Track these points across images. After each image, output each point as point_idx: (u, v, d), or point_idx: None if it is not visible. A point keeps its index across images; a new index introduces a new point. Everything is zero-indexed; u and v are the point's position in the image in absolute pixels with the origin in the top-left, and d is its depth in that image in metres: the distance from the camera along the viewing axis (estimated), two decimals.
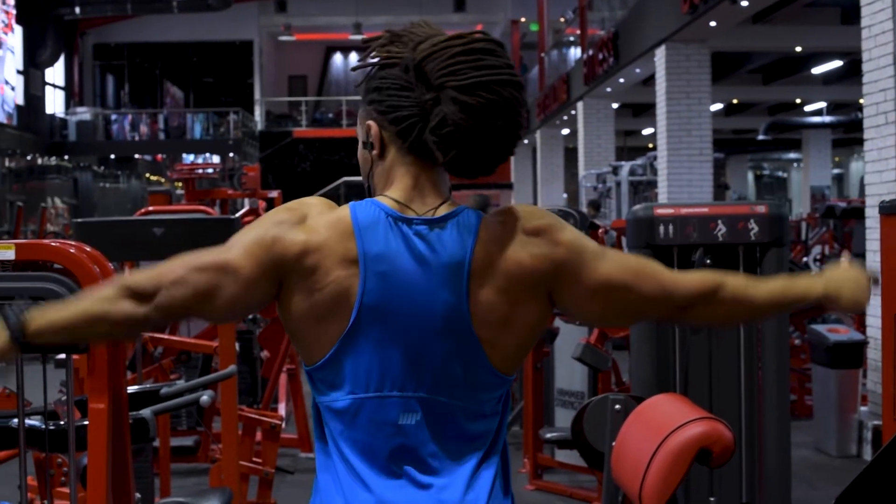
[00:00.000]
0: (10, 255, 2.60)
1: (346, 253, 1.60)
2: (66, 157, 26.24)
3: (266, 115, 32.25)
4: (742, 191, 30.93)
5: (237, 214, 6.19)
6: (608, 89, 16.42)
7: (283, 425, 5.20)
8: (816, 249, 12.61)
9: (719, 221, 3.94)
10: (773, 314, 1.79)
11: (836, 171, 34.34)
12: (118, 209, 27.11)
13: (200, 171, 8.43)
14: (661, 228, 3.94)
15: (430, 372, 1.62)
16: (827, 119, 23.22)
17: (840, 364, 6.35)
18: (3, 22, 21.87)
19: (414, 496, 1.62)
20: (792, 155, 33.81)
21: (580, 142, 17.97)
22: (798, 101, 21.99)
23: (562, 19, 23.07)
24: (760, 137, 24.09)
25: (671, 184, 11.61)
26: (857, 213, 9.57)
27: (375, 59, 1.67)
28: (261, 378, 6.09)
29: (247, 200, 9.01)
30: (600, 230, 5.95)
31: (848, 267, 1.81)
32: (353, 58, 33.96)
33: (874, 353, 6.19)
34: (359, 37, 27.17)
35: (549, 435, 5.23)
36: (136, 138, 28.26)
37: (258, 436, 4.84)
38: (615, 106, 18.43)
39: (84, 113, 27.40)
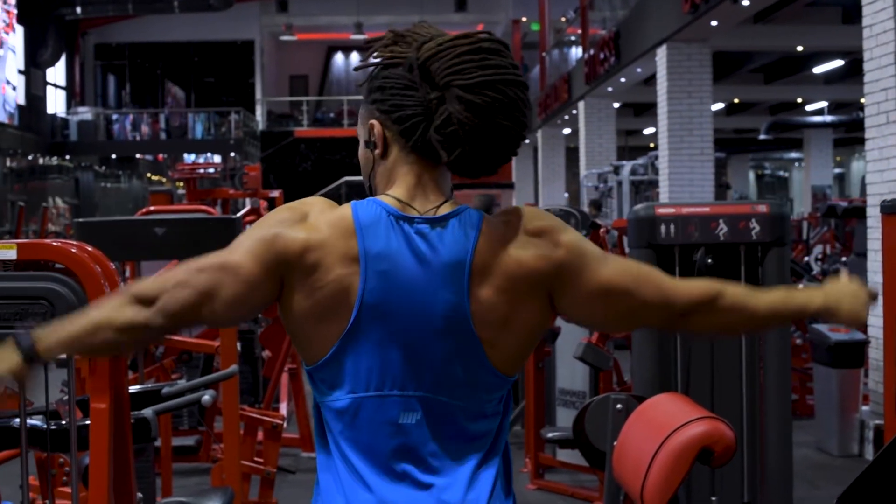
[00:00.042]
0: (11, 254, 2.60)
1: (347, 251, 1.60)
2: (67, 156, 26.25)
3: (267, 115, 32.25)
4: (743, 190, 30.88)
5: (238, 214, 6.18)
6: (609, 89, 16.42)
7: (285, 425, 5.20)
8: (818, 249, 12.61)
9: (721, 221, 3.93)
10: (773, 325, 1.79)
11: (837, 170, 34.32)
12: (119, 209, 27.11)
13: (202, 170, 8.41)
14: (663, 228, 3.93)
15: (430, 371, 1.62)
16: (828, 118, 23.21)
17: (841, 363, 6.35)
18: (4, 22, 21.88)
19: (415, 496, 1.62)
20: (793, 154, 33.79)
21: (581, 141, 17.96)
22: (799, 100, 22.01)
23: (563, 19, 23.05)
24: (762, 137, 24.04)
25: (672, 183, 11.60)
26: (859, 212, 9.55)
27: (378, 59, 1.67)
28: (262, 378, 6.08)
29: (248, 200, 8.99)
30: (602, 230, 5.93)
31: (848, 281, 1.81)
32: (355, 57, 33.92)
33: (875, 353, 6.19)
34: (360, 36, 27.32)
35: (550, 434, 5.23)
36: (138, 138, 28.28)
37: (260, 435, 4.85)
38: (616, 105, 18.41)
39: (85, 113, 27.42)
